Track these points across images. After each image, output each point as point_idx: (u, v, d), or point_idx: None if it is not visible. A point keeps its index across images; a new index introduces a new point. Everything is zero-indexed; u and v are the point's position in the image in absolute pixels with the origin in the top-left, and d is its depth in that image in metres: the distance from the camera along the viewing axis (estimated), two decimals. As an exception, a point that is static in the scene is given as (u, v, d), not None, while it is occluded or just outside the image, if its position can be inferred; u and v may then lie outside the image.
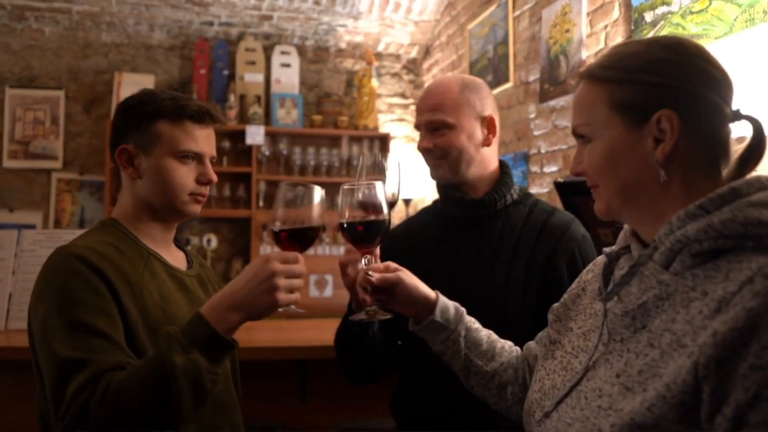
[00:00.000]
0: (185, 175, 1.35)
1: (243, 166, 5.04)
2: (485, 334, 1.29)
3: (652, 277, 0.91)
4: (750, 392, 0.74)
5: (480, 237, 1.55)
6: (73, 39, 5.07)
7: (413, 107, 5.71)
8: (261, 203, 5.06)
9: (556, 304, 1.17)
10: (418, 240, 1.64)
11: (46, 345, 1.15)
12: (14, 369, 2.00)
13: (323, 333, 2.70)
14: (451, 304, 1.26)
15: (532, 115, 3.60)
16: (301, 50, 5.45)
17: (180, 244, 1.51)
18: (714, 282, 0.84)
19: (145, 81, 4.97)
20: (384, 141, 5.35)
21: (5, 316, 2.34)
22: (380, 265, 1.23)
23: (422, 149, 1.57)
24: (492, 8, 4.11)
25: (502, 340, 1.31)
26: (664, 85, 0.92)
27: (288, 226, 1.21)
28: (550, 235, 1.52)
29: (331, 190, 5.31)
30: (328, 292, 4.98)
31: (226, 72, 5.17)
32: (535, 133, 3.57)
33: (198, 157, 1.37)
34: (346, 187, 1.21)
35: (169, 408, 1.08)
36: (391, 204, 1.34)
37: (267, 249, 4.95)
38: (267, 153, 5.13)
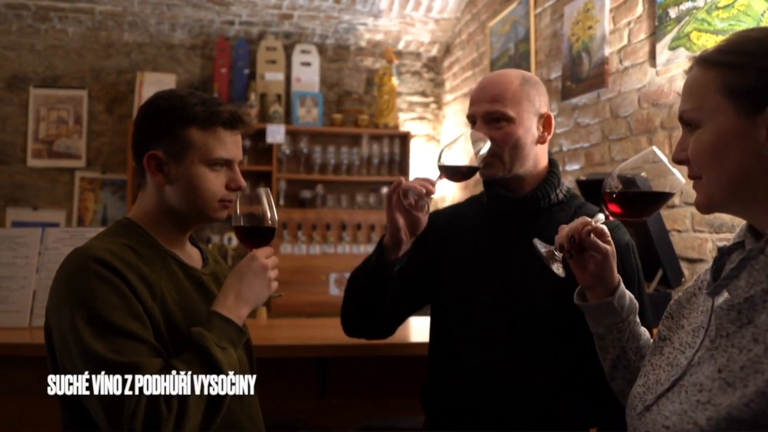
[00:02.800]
0: (216, 182, 1.34)
1: (263, 164, 5.06)
2: (644, 330, 1.26)
3: (762, 271, 0.88)
4: None
5: (519, 234, 1.52)
6: (95, 39, 5.12)
7: (434, 105, 5.69)
8: (282, 202, 5.08)
9: (671, 302, 1.14)
10: (460, 227, 1.63)
11: (85, 350, 1.15)
12: (38, 365, 2.02)
13: (342, 331, 2.70)
14: (627, 293, 1.22)
15: (554, 113, 3.57)
16: (322, 49, 5.46)
17: (195, 240, 1.50)
18: None
19: (167, 80, 5.00)
20: (404, 139, 5.34)
21: (29, 314, 2.36)
22: (599, 227, 1.17)
23: None
24: (513, 5, 4.09)
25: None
26: None
27: (250, 224, 1.40)
28: None
29: (351, 188, 5.33)
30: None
31: (246, 71, 5.20)
32: (557, 131, 3.53)
33: (228, 164, 1.36)
34: None
35: (217, 398, 1.20)
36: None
37: (287, 247, 4.97)
38: (287, 152, 5.14)
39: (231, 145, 1.36)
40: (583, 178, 2.72)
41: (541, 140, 1.54)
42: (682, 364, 0.97)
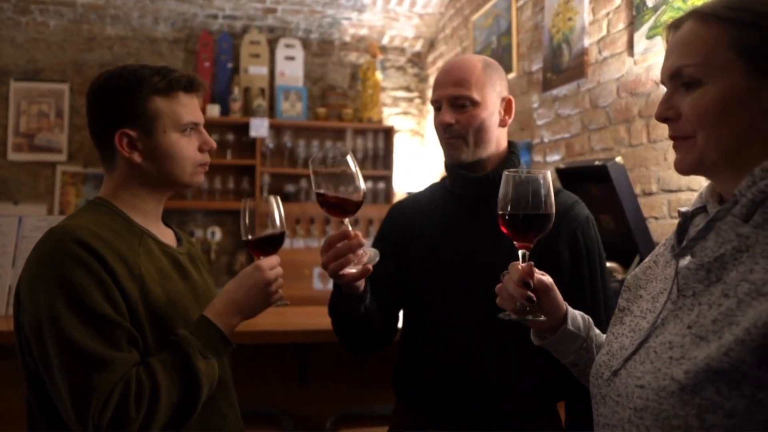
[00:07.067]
0: (190, 146, 1.35)
1: (247, 158, 5.05)
2: (604, 337, 1.20)
3: (731, 230, 0.89)
4: None
5: (483, 215, 1.53)
6: (77, 32, 5.09)
7: (418, 100, 5.70)
8: (265, 196, 5.06)
9: (628, 277, 1.13)
10: (423, 215, 1.63)
11: (60, 335, 1.14)
12: (15, 354, 2.01)
13: (324, 318, 2.69)
14: (577, 313, 1.20)
15: (535, 105, 3.59)
16: (306, 43, 5.46)
17: (167, 222, 1.49)
18: None
19: (150, 74, 4.98)
20: (388, 134, 5.35)
21: (5, 302, 2.35)
22: (528, 265, 1.12)
23: (443, 124, 1.53)
24: (495, -1, 4.10)
25: None
26: None
27: (260, 235, 1.38)
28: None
29: (335, 182, 5.33)
30: (332, 284, 4.97)
31: (230, 65, 5.18)
32: (538, 122, 3.55)
33: (196, 127, 1.37)
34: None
35: (188, 403, 1.21)
36: None
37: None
38: (271, 146, 5.14)
39: (193, 108, 1.37)
40: (562, 166, 2.74)
41: (502, 123, 1.57)
42: (644, 328, 0.97)
